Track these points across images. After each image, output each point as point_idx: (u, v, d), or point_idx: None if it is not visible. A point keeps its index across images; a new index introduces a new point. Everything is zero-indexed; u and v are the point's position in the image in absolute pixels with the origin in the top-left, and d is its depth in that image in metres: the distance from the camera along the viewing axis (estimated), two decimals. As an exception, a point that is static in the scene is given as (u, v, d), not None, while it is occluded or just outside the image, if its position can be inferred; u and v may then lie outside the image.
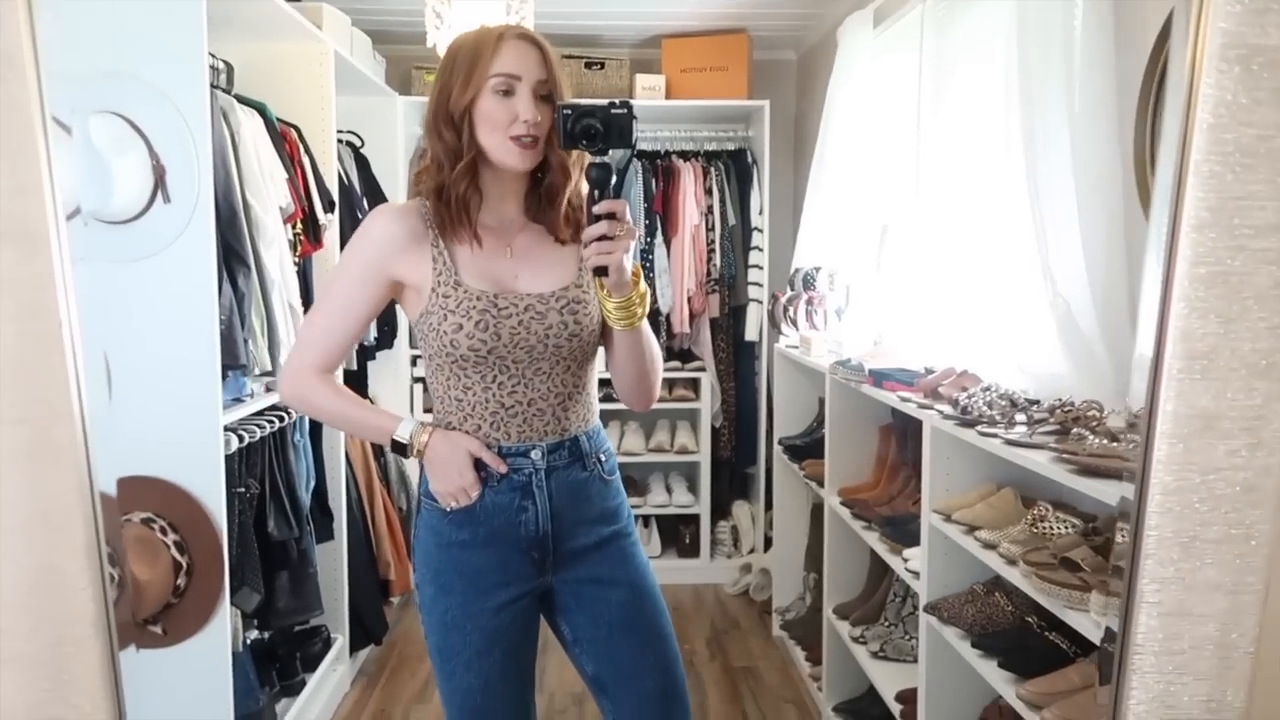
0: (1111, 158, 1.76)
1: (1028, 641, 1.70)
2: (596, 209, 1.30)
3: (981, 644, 1.75)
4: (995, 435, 1.69)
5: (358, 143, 3.60)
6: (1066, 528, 1.61)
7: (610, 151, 1.33)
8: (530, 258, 1.46)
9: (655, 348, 1.50)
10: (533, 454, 1.46)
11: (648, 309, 1.42)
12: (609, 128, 1.31)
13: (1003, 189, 2.09)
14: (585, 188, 1.37)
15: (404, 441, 1.47)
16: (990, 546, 1.69)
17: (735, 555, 4.27)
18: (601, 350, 1.54)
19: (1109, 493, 1.33)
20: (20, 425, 0.67)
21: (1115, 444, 1.43)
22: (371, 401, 3.79)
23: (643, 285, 1.39)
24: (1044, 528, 1.64)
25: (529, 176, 1.47)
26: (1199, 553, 0.73)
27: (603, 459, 1.54)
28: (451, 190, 1.41)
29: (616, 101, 1.33)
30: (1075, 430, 1.54)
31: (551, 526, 1.48)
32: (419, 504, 1.54)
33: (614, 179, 1.32)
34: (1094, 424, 1.57)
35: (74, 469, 0.68)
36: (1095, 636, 1.35)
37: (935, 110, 2.57)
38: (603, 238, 1.30)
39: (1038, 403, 1.86)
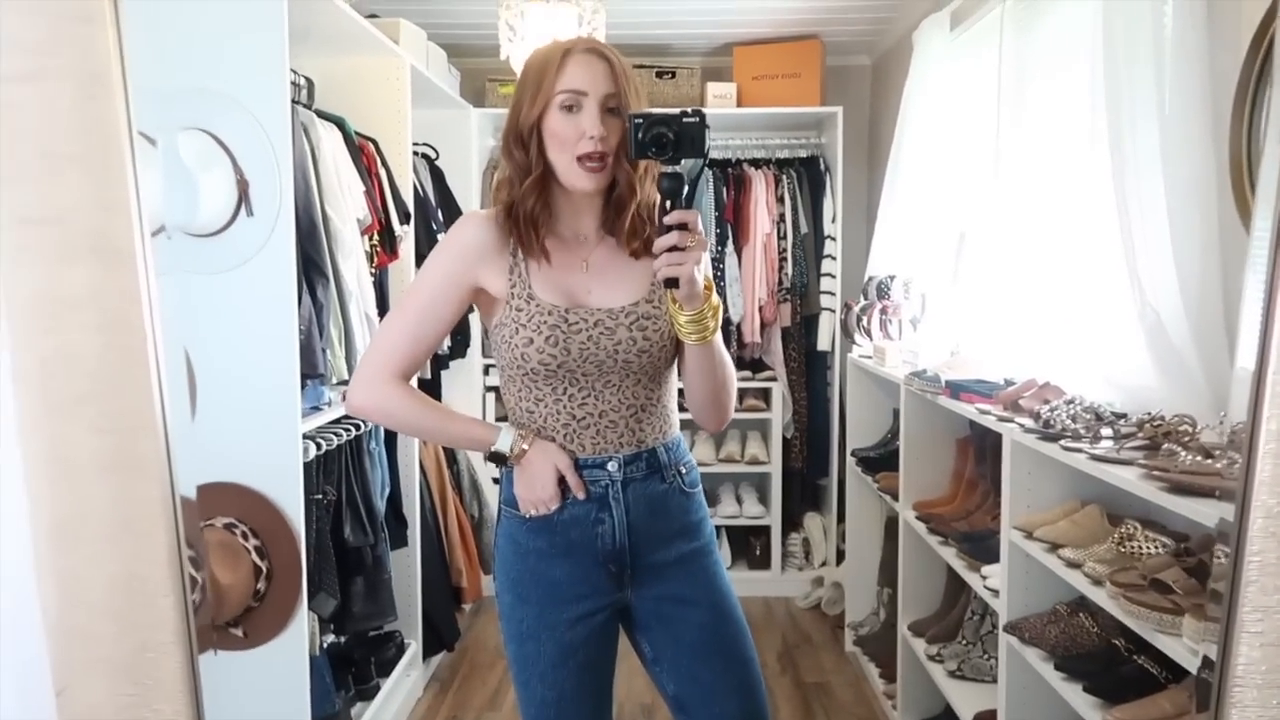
0: (1205, 160, 1.69)
1: (1115, 665, 1.63)
2: (667, 219, 1.28)
3: (1066, 667, 1.69)
4: (1080, 450, 1.63)
5: (433, 155, 3.66)
6: (1156, 547, 1.55)
7: (682, 161, 1.31)
8: (605, 272, 1.45)
9: (729, 366, 1.46)
10: (609, 465, 1.45)
11: (720, 322, 1.39)
12: (680, 137, 1.29)
13: (1088, 194, 2.02)
14: (656, 198, 1.37)
15: (504, 453, 1.46)
16: (1075, 566, 1.62)
17: (806, 568, 4.22)
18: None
19: (1202, 512, 1.27)
20: (106, 435, 0.69)
21: (1209, 460, 1.37)
22: (445, 410, 3.84)
23: (715, 298, 1.36)
24: (1132, 547, 1.58)
25: (604, 191, 1.45)
26: (1306, 580, 0.69)
27: (683, 471, 1.51)
28: (520, 207, 1.41)
29: (689, 110, 1.31)
30: (1166, 446, 1.47)
31: (629, 540, 1.46)
32: (499, 511, 1.54)
33: (685, 189, 1.30)
34: (1186, 439, 1.50)
35: (158, 479, 0.69)
36: (1188, 662, 1.28)
37: (1015, 113, 2.50)
38: (673, 249, 1.28)
39: (1124, 416, 1.79)
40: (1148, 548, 1.55)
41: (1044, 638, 1.77)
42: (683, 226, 1.28)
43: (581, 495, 1.43)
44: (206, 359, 2.11)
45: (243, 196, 2.05)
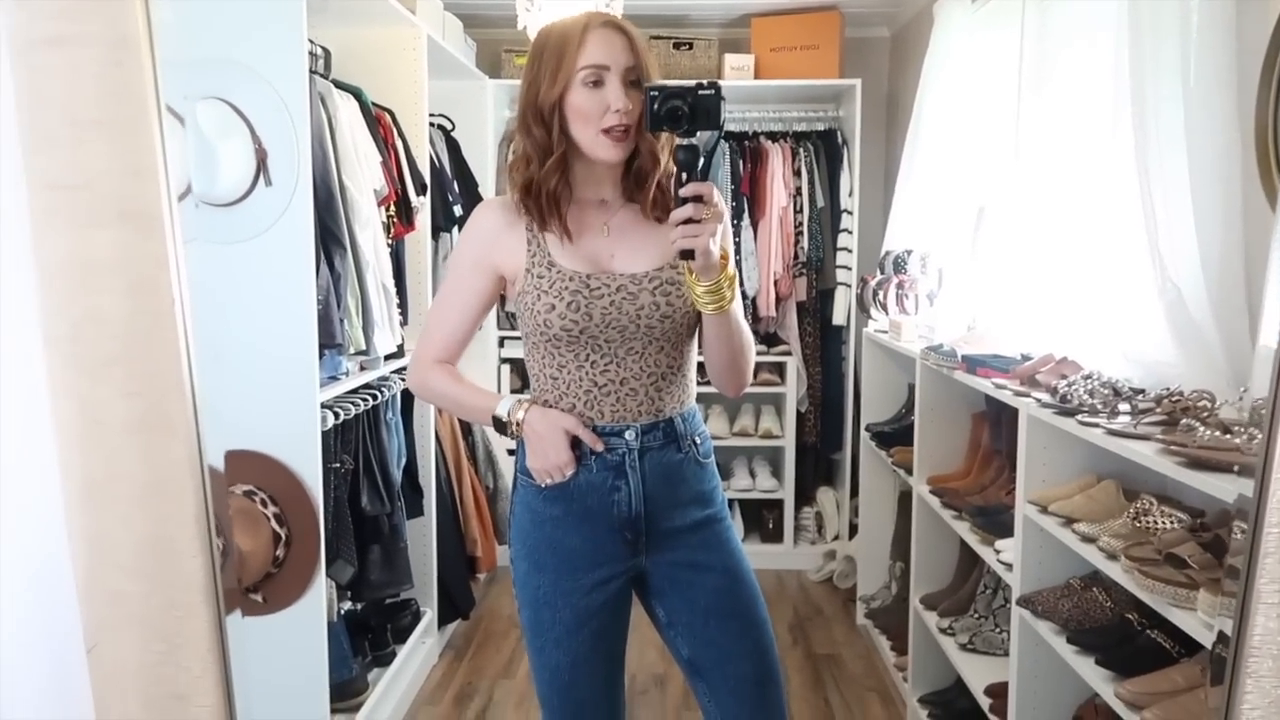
0: (1229, 134, 1.67)
1: (1128, 639, 1.64)
2: (683, 191, 1.29)
3: (1078, 640, 1.70)
4: (1097, 425, 1.63)
5: (449, 126, 3.65)
6: (1172, 522, 1.55)
7: (698, 133, 1.31)
8: (628, 237, 1.47)
9: (746, 333, 1.48)
10: (627, 434, 1.46)
11: (737, 293, 1.40)
12: (696, 109, 1.29)
13: (1109, 168, 2.00)
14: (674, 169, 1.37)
15: (503, 419, 1.49)
16: (1090, 540, 1.63)
17: (819, 542, 4.23)
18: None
19: (1220, 487, 1.27)
20: (136, 398, 0.70)
21: (1228, 436, 1.36)
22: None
23: (731, 268, 1.37)
24: (1147, 522, 1.58)
25: (623, 161, 1.47)
26: (1324, 552, 0.69)
27: (698, 441, 1.53)
28: (541, 186, 1.42)
29: (704, 83, 1.31)
30: (1184, 421, 1.47)
31: (645, 507, 1.48)
32: (515, 480, 1.56)
33: (701, 161, 1.31)
34: (1205, 415, 1.50)
35: (185, 441, 0.71)
36: (1202, 637, 1.29)
37: (1037, 87, 2.47)
38: (689, 220, 1.29)
39: (1142, 392, 1.79)
40: (1163, 523, 1.55)
41: (1057, 611, 1.78)
42: (698, 199, 1.28)
43: (599, 447, 1.45)
44: (225, 328, 2.12)
45: (261, 166, 2.06)
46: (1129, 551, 1.48)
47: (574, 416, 1.46)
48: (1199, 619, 1.29)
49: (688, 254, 1.31)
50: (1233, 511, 1.23)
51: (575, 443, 1.46)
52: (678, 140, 1.31)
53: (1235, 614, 0.69)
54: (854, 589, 3.70)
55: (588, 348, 1.44)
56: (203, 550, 0.72)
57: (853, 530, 4.03)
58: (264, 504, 2.12)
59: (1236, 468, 1.25)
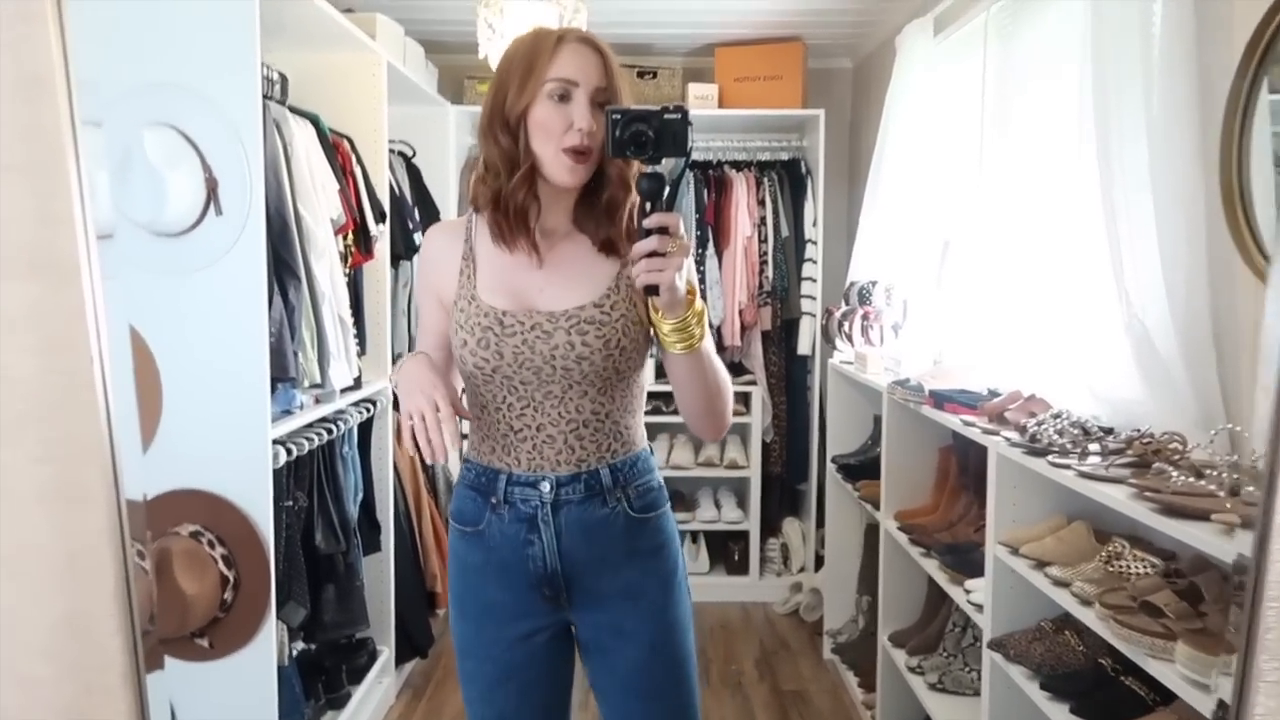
0: (1193, 171, 1.67)
1: (1102, 685, 1.60)
2: (647, 223, 1.20)
3: (1051, 686, 1.66)
4: (1068, 467, 1.60)
5: (409, 153, 3.59)
6: (1145, 567, 1.52)
7: (662, 160, 1.23)
8: (563, 270, 1.37)
9: (721, 372, 1.36)
10: (541, 485, 1.36)
11: (708, 330, 1.30)
12: (661, 135, 1.21)
13: (1074, 203, 2.00)
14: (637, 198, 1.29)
15: (398, 366, 1.37)
16: (1062, 584, 1.60)
17: (785, 573, 4.19)
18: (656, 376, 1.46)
19: (1196, 536, 1.24)
20: (48, 464, 0.63)
21: (1200, 481, 1.34)
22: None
23: (699, 302, 1.27)
24: (1120, 566, 1.55)
25: (581, 185, 1.37)
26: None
27: (632, 496, 1.39)
28: (510, 200, 1.34)
29: (670, 106, 1.22)
30: (1156, 465, 1.45)
31: (560, 564, 1.37)
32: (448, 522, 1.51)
33: (666, 190, 1.22)
34: (1176, 457, 1.48)
35: (104, 511, 0.64)
36: (1182, 690, 1.26)
37: (1000, 121, 2.48)
38: (653, 254, 1.19)
39: (1111, 431, 1.77)
40: (1136, 567, 1.52)
41: (1029, 655, 1.74)
42: (663, 230, 1.19)
43: (459, 416, 1.29)
44: (174, 362, 2.04)
45: (211, 195, 1.99)
46: (1104, 599, 1.45)
47: (453, 385, 1.36)
48: (1178, 671, 1.25)
49: (652, 290, 1.21)
50: (1231, 576, 1.21)
51: (489, 494, 1.38)
52: (641, 168, 1.22)
53: (1234, 691, 0.65)
54: (820, 621, 3.66)
55: (503, 389, 1.35)
56: (123, 629, 0.65)
57: (819, 561, 3.99)
58: (211, 545, 2.03)
59: (1212, 515, 1.22)
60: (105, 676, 0.67)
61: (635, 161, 1.26)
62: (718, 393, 1.36)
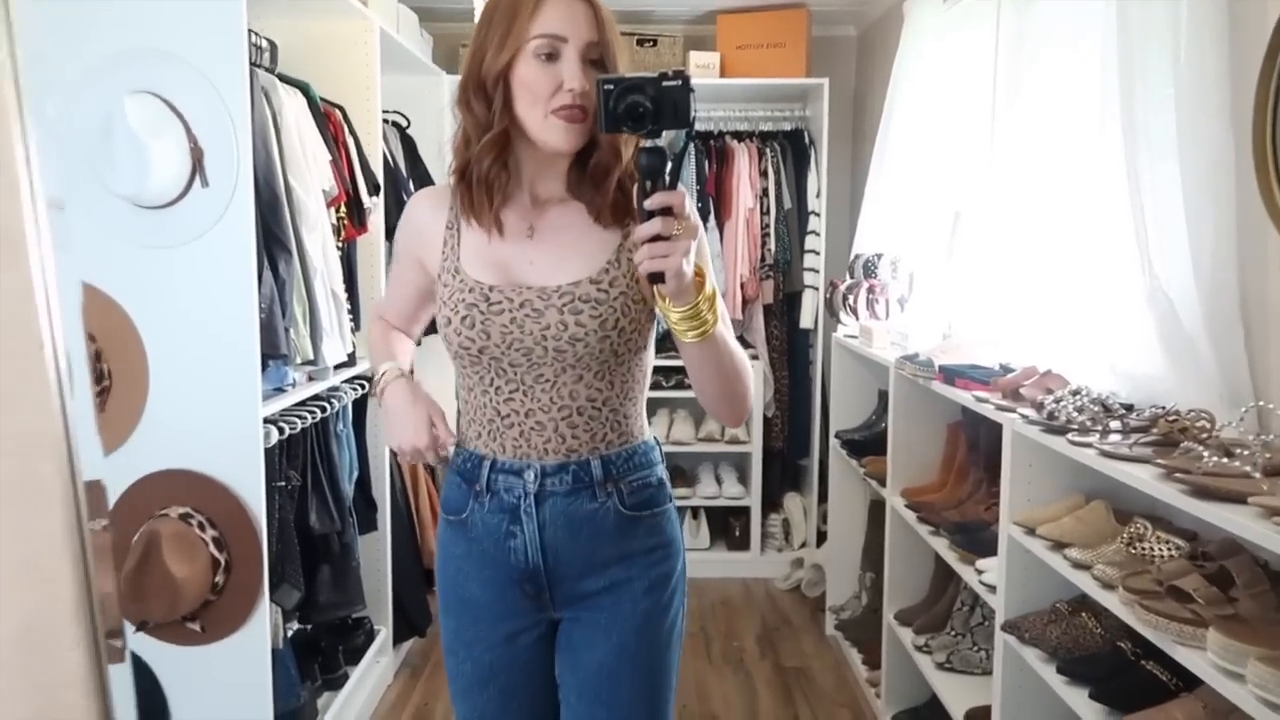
0: (1223, 137, 1.60)
1: (1121, 670, 1.55)
2: (648, 203, 1.07)
3: (1069, 670, 1.61)
4: (1089, 445, 1.54)
5: (404, 123, 3.51)
6: (1169, 549, 1.47)
7: (663, 134, 1.10)
8: (556, 242, 1.26)
9: (739, 356, 1.24)
10: (525, 473, 1.26)
11: (722, 314, 1.18)
12: (661, 105, 1.07)
13: (1095, 172, 1.92)
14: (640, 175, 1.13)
15: (375, 379, 1.33)
16: (1083, 567, 1.54)
17: (786, 549, 4.16)
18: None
19: (1229, 519, 1.18)
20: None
21: (1233, 461, 1.28)
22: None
23: (710, 285, 1.15)
24: (1143, 548, 1.50)
25: (576, 149, 1.25)
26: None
27: (625, 490, 1.29)
28: (474, 169, 1.22)
29: (669, 72, 1.08)
30: (1185, 444, 1.39)
31: (543, 560, 1.28)
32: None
33: (669, 166, 1.09)
34: (1204, 436, 1.42)
35: (62, 510, 0.58)
36: (1214, 680, 1.20)
37: (1014, 87, 2.40)
38: (657, 238, 1.07)
39: (1132, 408, 1.71)
40: (1160, 549, 1.47)
41: (1045, 638, 1.69)
42: (667, 211, 1.07)
43: (448, 445, 1.27)
44: (160, 339, 1.98)
45: (197, 166, 1.91)
46: (1127, 583, 1.39)
47: (440, 407, 1.29)
48: (1209, 660, 1.20)
49: (657, 277, 1.09)
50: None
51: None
52: (641, 143, 1.09)
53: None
54: (823, 598, 3.62)
55: (490, 371, 1.25)
56: (85, 638, 0.59)
57: (820, 537, 3.95)
58: (201, 528, 1.97)
59: (1249, 498, 1.16)
60: (68, 693, 0.61)
61: (632, 136, 1.13)
62: (735, 377, 1.25)
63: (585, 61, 1.18)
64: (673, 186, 1.09)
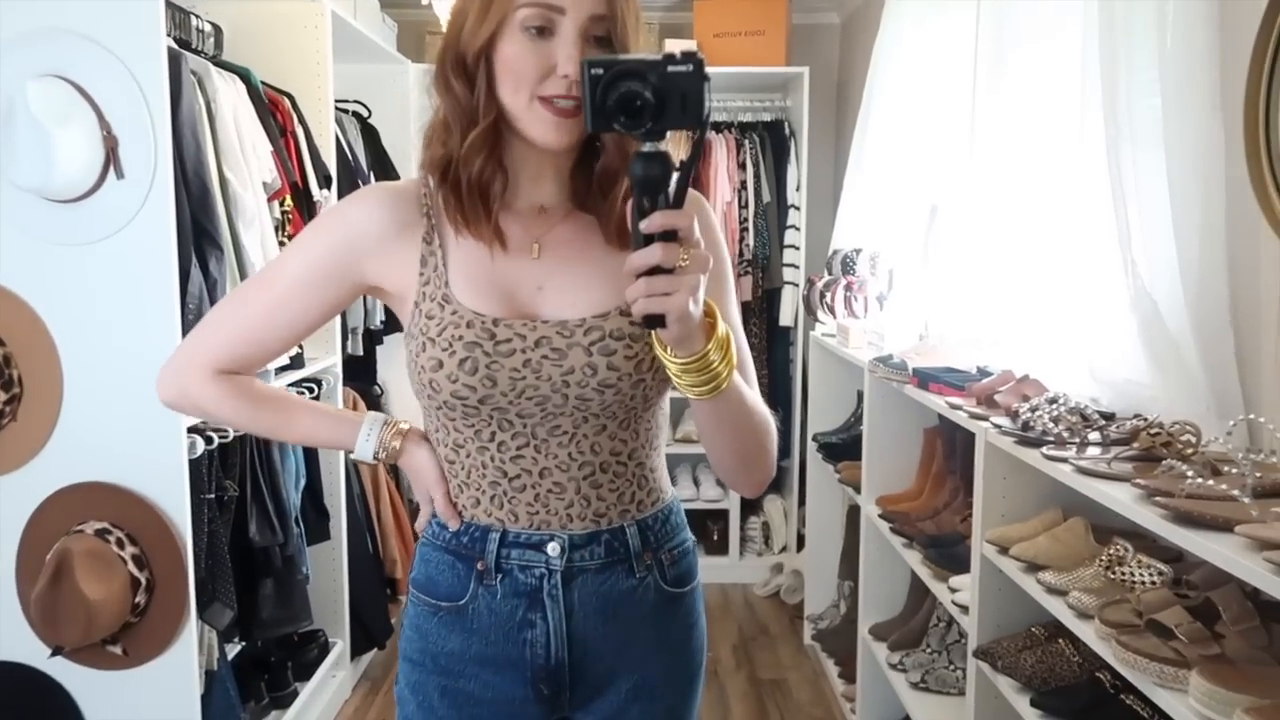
0: (1211, 121, 1.47)
1: (1099, 704, 1.43)
2: (646, 225, 0.82)
3: (1044, 704, 1.49)
4: (1064, 460, 1.42)
5: (364, 113, 3.37)
6: (1151, 575, 1.34)
7: (668, 135, 0.83)
8: (567, 262, 1.02)
9: (758, 414, 1.00)
10: (548, 547, 1.03)
11: (743, 359, 0.95)
12: (665, 96, 0.81)
13: (1076, 165, 1.80)
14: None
15: (369, 460, 1.11)
16: (1058, 593, 1.42)
17: (766, 553, 4.04)
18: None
19: (1216, 551, 1.05)
20: None
21: (1219, 483, 1.16)
22: (380, 391, 3.57)
23: (722, 327, 0.90)
24: (1122, 573, 1.37)
25: (578, 148, 1.02)
26: None
27: (666, 561, 1.07)
28: (462, 170, 0.99)
29: (677, 54, 0.81)
30: (1167, 462, 1.26)
31: (568, 654, 1.05)
32: (409, 589, 1.14)
33: (674, 177, 0.83)
34: (1189, 452, 1.30)
35: None
36: (1193, 725, 1.08)
37: (994, 78, 2.26)
38: (655, 270, 0.83)
39: (1112, 417, 1.58)
40: (1141, 575, 1.35)
41: (1019, 667, 1.57)
42: (670, 235, 0.82)
43: (453, 524, 1.06)
44: (74, 342, 1.85)
45: (111, 156, 1.78)
46: (1105, 615, 1.27)
47: (438, 474, 1.07)
48: (1192, 707, 1.08)
49: (654, 320, 0.85)
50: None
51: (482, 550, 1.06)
52: (638, 146, 0.84)
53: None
54: (802, 605, 3.50)
55: (493, 424, 1.01)
56: None
57: (801, 541, 3.84)
58: (120, 544, 1.85)
59: (1237, 527, 1.04)
60: None
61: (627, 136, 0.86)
62: (755, 438, 1.00)
63: (587, 39, 0.94)
64: (678, 204, 0.83)
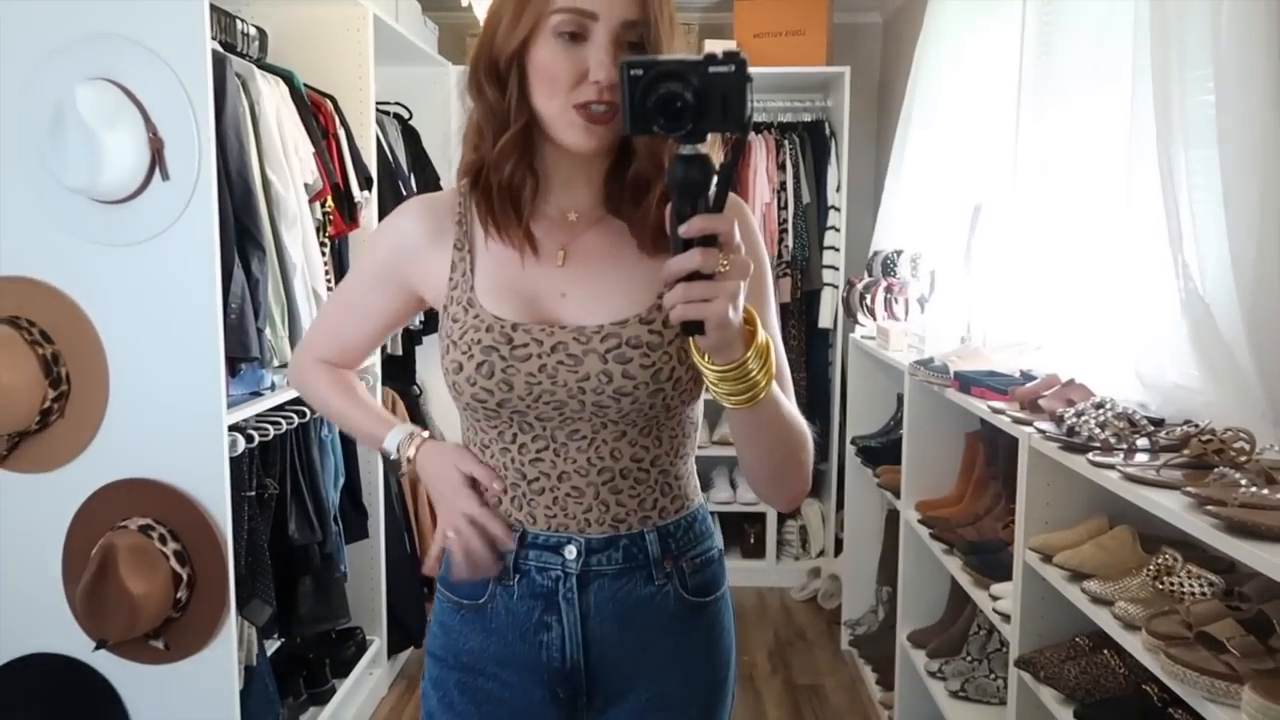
0: (1269, 117, 1.43)
1: (1147, 717, 1.39)
2: (685, 229, 0.81)
3: (1089, 715, 1.45)
4: (1111, 466, 1.38)
5: (405, 115, 3.39)
6: (1201, 585, 1.30)
7: (708, 137, 0.82)
8: (592, 269, 1.03)
9: (795, 427, 0.99)
10: (566, 550, 1.03)
11: (775, 370, 0.91)
12: (706, 98, 0.80)
13: (1125, 164, 1.76)
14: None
15: (392, 456, 1.12)
16: (1103, 603, 1.38)
17: (803, 557, 4.00)
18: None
19: (1270, 562, 1.02)
20: None
21: (1273, 491, 1.12)
22: (419, 391, 3.60)
23: (761, 336, 0.88)
24: (1171, 584, 1.33)
25: (611, 153, 1.02)
26: None
27: (687, 570, 1.06)
28: (493, 174, 1.00)
29: (718, 54, 0.80)
30: (1219, 469, 1.23)
31: (584, 658, 1.04)
32: (437, 587, 1.17)
33: (714, 181, 0.82)
34: (1243, 459, 1.26)
35: None
36: (1247, 745, 1.05)
37: (1040, 77, 2.23)
38: (695, 276, 0.82)
39: (1161, 423, 1.54)
40: (1191, 585, 1.31)
41: (1062, 678, 1.54)
42: (710, 240, 0.82)
43: (497, 487, 1.04)
44: (120, 341, 1.88)
45: (156, 158, 1.80)
46: (1152, 626, 1.23)
47: (469, 453, 1.07)
48: (1243, 723, 1.05)
49: (693, 326, 0.84)
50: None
51: (495, 547, 1.05)
52: (678, 149, 0.82)
53: None
54: (839, 610, 3.47)
55: (513, 425, 1.02)
56: None
57: (839, 545, 3.80)
58: (162, 540, 1.87)
59: (1293, 538, 1.00)
60: None
61: (667, 139, 0.85)
62: (791, 451, 0.99)
63: (619, 45, 0.94)
64: (718, 208, 0.82)
